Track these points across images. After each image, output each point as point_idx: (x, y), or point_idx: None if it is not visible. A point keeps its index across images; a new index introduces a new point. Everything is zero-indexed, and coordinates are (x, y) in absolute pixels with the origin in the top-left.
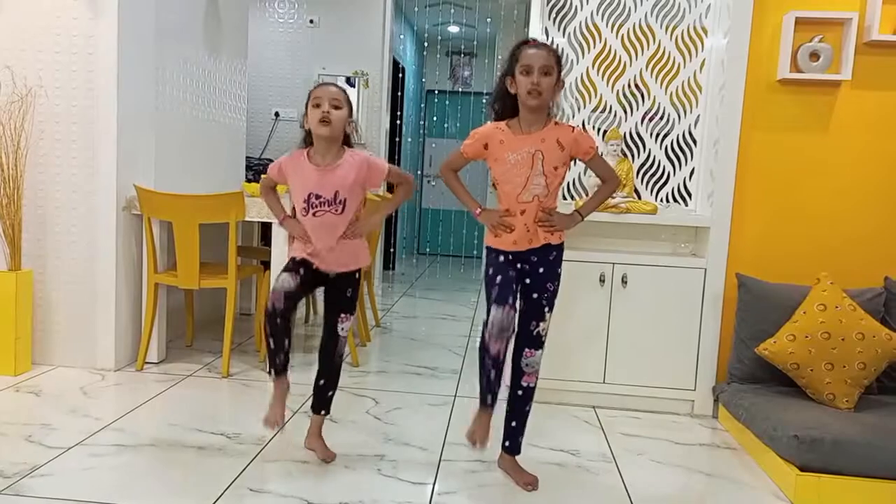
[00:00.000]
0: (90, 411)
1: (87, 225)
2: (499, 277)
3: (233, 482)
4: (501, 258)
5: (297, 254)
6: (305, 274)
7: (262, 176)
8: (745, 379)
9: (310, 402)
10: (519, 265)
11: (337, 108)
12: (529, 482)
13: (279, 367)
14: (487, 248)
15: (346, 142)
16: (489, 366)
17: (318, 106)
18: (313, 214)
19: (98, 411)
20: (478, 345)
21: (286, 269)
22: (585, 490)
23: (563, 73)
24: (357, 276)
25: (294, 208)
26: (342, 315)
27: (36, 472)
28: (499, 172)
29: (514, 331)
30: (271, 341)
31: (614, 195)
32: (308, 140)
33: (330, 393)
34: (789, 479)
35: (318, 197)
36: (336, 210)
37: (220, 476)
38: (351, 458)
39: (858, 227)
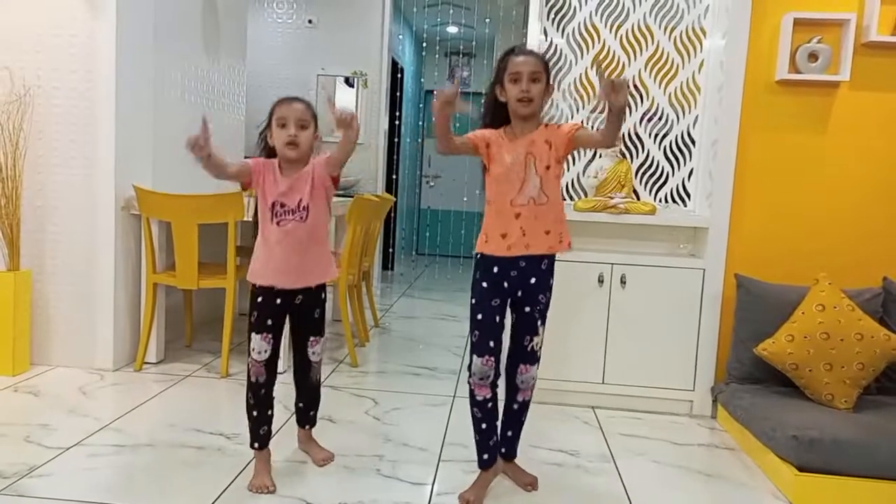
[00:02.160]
0: (89, 411)
1: (86, 225)
2: (480, 315)
3: (231, 483)
4: (485, 284)
5: (257, 278)
6: (273, 320)
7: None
8: (743, 379)
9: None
10: (507, 284)
11: (304, 128)
12: (529, 482)
13: (263, 440)
14: (477, 256)
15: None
16: (479, 417)
17: (283, 126)
18: (278, 223)
19: (97, 411)
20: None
21: (256, 329)
22: (584, 490)
23: (552, 78)
24: (323, 296)
25: (257, 216)
26: (311, 339)
27: (34, 473)
28: (496, 174)
29: (498, 375)
30: (255, 412)
31: (612, 196)
32: (270, 155)
33: (312, 412)
34: (788, 479)
35: (282, 206)
36: (301, 217)
37: (218, 476)
38: (350, 459)
39: (857, 228)
